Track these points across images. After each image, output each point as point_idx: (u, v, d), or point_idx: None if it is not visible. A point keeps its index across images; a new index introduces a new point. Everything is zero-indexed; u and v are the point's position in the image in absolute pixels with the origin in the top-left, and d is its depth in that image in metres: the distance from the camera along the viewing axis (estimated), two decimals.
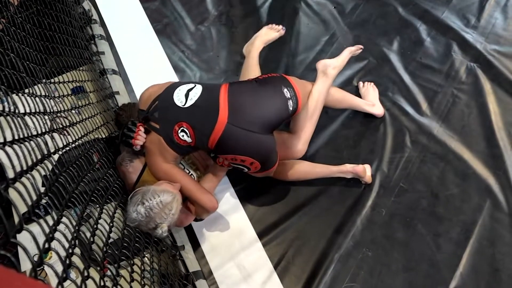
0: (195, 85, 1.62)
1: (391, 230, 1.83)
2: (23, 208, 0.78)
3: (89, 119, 1.82)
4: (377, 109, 2.11)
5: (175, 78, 2.44)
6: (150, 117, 1.62)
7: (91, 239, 1.12)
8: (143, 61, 2.56)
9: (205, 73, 2.46)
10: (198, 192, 1.65)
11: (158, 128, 1.59)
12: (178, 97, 1.58)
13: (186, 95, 1.58)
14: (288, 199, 1.97)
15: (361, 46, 1.99)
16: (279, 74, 1.71)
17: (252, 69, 1.93)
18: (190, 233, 1.92)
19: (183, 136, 1.56)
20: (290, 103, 1.63)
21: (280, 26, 2.06)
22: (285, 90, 1.63)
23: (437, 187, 1.91)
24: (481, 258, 1.72)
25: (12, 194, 0.78)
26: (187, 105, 1.55)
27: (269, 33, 2.04)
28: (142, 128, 1.61)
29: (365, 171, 1.89)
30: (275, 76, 1.70)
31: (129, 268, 1.29)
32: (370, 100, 2.13)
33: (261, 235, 1.89)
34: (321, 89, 1.82)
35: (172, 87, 1.64)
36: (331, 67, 1.86)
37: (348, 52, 1.94)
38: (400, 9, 2.56)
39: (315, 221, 1.89)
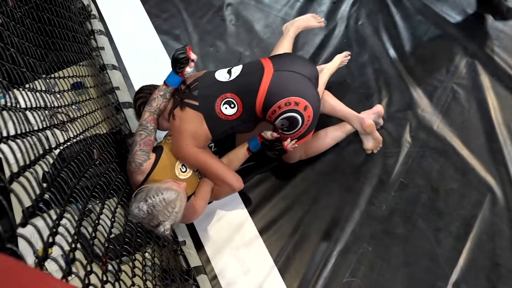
0: (234, 65, 1.74)
1: (391, 225, 1.84)
2: (25, 203, 0.78)
3: (90, 115, 1.81)
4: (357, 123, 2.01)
5: None
6: (188, 95, 1.65)
7: (93, 234, 1.12)
8: (142, 56, 2.55)
9: (205, 67, 2.45)
10: (225, 172, 1.71)
11: (197, 105, 1.62)
12: (221, 75, 1.67)
13: (229, 72, 1.69)
14: (288, 194, 1.98)
15: (349, 52, 2.14)
16: None
17: (286, 45, 2.00)
18: (191, 228, 1.93)
19: (226, 109, 1.62)
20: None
21: (323, 19, 2.13)
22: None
23: (437, 182, 1.91)
24: (481, 252, 1.73)
25: (15, 188, 0.77)
26: (231, 78, 1.65)
27: (311, 20, 2.10)
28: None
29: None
30: None
31: (130, 263, 1.29)
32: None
33: (261, 230, 1.90)
34: (322, 80, 1.97)
35: (212, 71, 1.75)
36: (326, 68, 2.05)
37: (339, 58, 2.10)
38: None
39: (316, 216, 1.90)
